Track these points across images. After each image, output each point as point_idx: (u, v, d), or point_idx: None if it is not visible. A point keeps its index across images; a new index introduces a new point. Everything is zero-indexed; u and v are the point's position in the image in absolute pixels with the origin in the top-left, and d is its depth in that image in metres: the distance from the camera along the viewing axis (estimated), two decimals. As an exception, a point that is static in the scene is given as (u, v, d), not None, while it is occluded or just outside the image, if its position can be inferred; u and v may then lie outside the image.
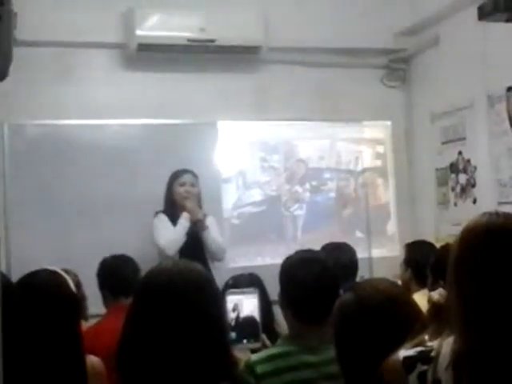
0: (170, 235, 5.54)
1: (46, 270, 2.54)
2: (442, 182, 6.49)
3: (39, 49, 5.93)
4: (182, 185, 5.68)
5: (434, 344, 1.87)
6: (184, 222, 5.58)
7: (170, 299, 1.97)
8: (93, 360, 2.54)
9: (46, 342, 2.31)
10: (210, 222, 5.75)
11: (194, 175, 5.73)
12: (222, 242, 5.76)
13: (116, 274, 4.11)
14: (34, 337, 2.28)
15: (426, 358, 1.85)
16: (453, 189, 6.34)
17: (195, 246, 5.54)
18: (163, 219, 5.65)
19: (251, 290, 3.03)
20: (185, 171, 5.73)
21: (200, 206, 5.72)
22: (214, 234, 5.71)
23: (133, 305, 2.04)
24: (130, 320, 2.02)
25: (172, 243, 5.50)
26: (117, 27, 6.18)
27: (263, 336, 3.01)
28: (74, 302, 2.51)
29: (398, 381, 1.87)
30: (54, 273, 2.54)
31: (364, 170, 6.88)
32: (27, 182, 5.84)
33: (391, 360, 1.90)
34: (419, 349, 1.89)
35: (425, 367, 1.84)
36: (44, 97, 6.00)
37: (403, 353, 1.89)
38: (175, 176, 5.71)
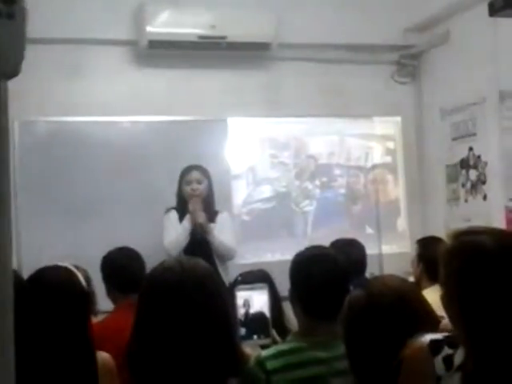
0: (173, 236, 5.56)
1: (56, 266, 2.55)
2: (452, 178, 6.47)
3: (50, 46, 5.93)
4: (189, 183, 5.66)
5: None
6: (186, 223, 5.59)
7: (175, 297, 1.97)
8: (103, 356, 2.53)
9: (56, 338, 2.31)
10: (220, 220, 5.73)
11: (202, 171, 5.70)
12: (229, 243, 5.68)
13: (124, 270, 4.06)
14: (45, 333, 2.28)
15: (452, 342, 1.87)
16: (463, 185, 6.32)
17: (201, 245, 5.52)
18: (171, 217, 5.67)
19: (261, 285, 3.03)
20: (191, 168, 5.70)
21: (211, 202, 5.72)
22: (221, 236, 5.64)
23: (139, 304, 2.05)
24: (137, 319, 2.03)
25: (174, 244, 5.51)
26: (127, 24, 6.19)
27: (273, 332, 3.01)
28: (84, 298, 2.51)
29: (422, 363, 1.88)
30: (64, 268, 2.54)
31: (374, 166, 6.87)
32: (37, 179, 5.86)
33: (415, 343, 1.92)
34: (446, 334, 1.92)
35: (451, 351, 1.86)
36: (54, 94, 6.02)
37: (430, 336, 1.91)
38: (182, 174, 5.70)
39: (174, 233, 5.58)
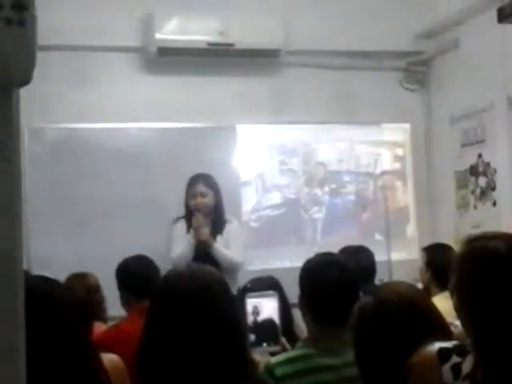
0: (179, 250, 5.55)
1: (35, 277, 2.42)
2: (461, 185, 6.46)
3: (59, 53, 5.95)
4: (193, 197, 5.63)
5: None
6: (191, 238, 5.58)
7: (184, 303, 1.97)
8: (113, 359, 2.49)
9: (51, 347, 2.22)
10: (229, 230, 5.69)
11: (207, 182, 5.65)
12: (235, 256, 5.61)
13: (141, 277, 4.08)
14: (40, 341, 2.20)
15: (461, 350, 1.86)
16: (472, 192, 6.31)
17: (206, 260, 5.42)
18: (179, 228, 5.67)
19: (271, 292, 3.03)
20: (196, 181, 5.65)
21: (219, 212, 5.67)
22: (227, 249, 5.60)
23: (150, 310, 2.05)
24: (148, 325, 2.03)
25: (180, 257, 5.46)
26: (136, 31, 6.21)
27: (283, 339, 3.01)
28: (78, 308, 2.39)
29: (430, 371, 1.87)
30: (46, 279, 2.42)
31: (383, 173, 6.86)
32: (46, 186, 5.87)
33: (424, 351, 1.91)
34: (455, 342, 1.91)
35: (459, 359, 1.85)
36: (63, 101, 6.04)
37: (439, 344, 1.90)
38: (188, 185, 5.67)
39: (180, 246, 5.58)
